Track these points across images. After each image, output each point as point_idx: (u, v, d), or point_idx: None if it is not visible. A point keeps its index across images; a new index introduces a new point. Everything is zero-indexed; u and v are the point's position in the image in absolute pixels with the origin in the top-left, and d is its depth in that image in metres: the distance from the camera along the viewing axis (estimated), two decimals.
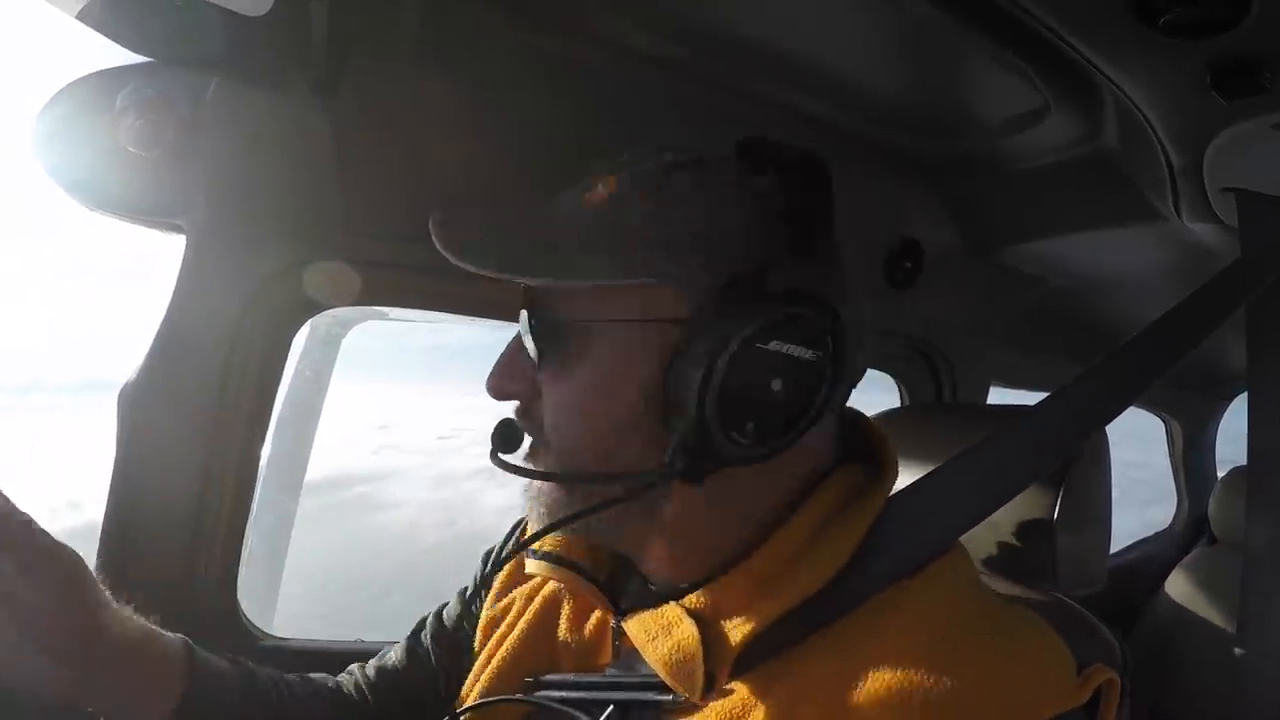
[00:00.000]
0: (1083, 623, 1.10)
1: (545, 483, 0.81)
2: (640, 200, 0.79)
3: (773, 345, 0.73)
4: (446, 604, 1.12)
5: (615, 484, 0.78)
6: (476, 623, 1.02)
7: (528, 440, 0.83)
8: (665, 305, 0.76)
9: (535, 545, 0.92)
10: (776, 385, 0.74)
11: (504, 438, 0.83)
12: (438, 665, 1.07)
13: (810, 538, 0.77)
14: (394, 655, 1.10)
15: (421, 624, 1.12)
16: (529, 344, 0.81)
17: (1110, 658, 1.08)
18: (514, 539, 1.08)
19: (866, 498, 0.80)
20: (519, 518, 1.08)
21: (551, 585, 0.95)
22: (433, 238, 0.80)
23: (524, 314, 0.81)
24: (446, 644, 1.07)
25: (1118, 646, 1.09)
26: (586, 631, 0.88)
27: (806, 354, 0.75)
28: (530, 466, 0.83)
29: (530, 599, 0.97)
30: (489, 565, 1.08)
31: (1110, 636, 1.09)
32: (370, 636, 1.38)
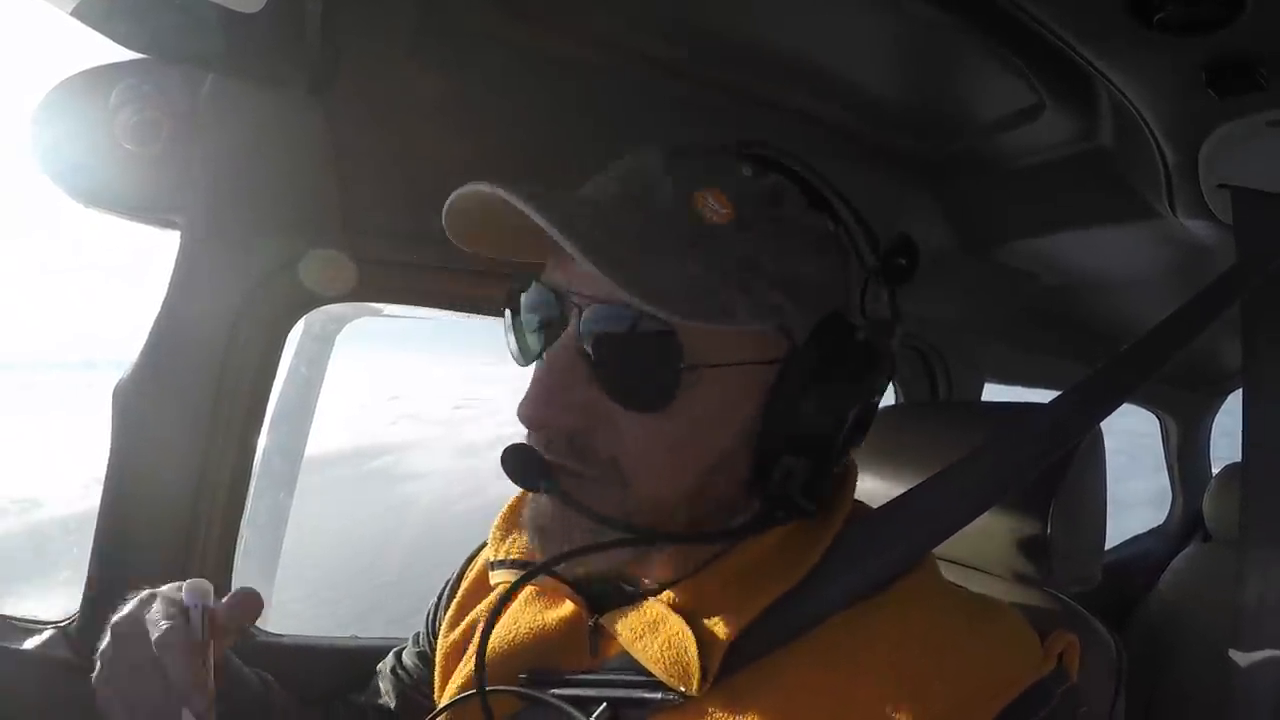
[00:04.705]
0: (1078, 619, 1.10)
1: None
2: (760, 229, 0.74)
3: (859, 382, 0.77)
4: (404, 647, 1.15)
5: (715, 540, 0.79)
6: (433, 659, 1.03)
7: (573, 470, 0.74)
8: (769, 345, 0.74)
9: (495, 555, 0.93)
10: (851, 418, 0.78)
11: (525, 468, 0.74)
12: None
13: (782, 540, 0.79)
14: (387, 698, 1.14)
15: (394, 666, 1.15)
16: (586, 366, 0.72)
17: (1105, 654, 1.08)
18: (466, 567, 1.08)
19: (832, 506, 0.81)
20: (472, 548, 1.09)
21: (513, 596, 0.95)
22: (537, 215, 0.66)
23: (594, 334, 0.72)
24: (415, 680, 1.11)
25: (1113, 643, 1.09)
26: (556, 634, 0.87)
27: (877, 386, 0.80)
28: (597, 511, 0.73)
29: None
30: (444, 595, 1.09)
31: (1106, 633, 1.10)
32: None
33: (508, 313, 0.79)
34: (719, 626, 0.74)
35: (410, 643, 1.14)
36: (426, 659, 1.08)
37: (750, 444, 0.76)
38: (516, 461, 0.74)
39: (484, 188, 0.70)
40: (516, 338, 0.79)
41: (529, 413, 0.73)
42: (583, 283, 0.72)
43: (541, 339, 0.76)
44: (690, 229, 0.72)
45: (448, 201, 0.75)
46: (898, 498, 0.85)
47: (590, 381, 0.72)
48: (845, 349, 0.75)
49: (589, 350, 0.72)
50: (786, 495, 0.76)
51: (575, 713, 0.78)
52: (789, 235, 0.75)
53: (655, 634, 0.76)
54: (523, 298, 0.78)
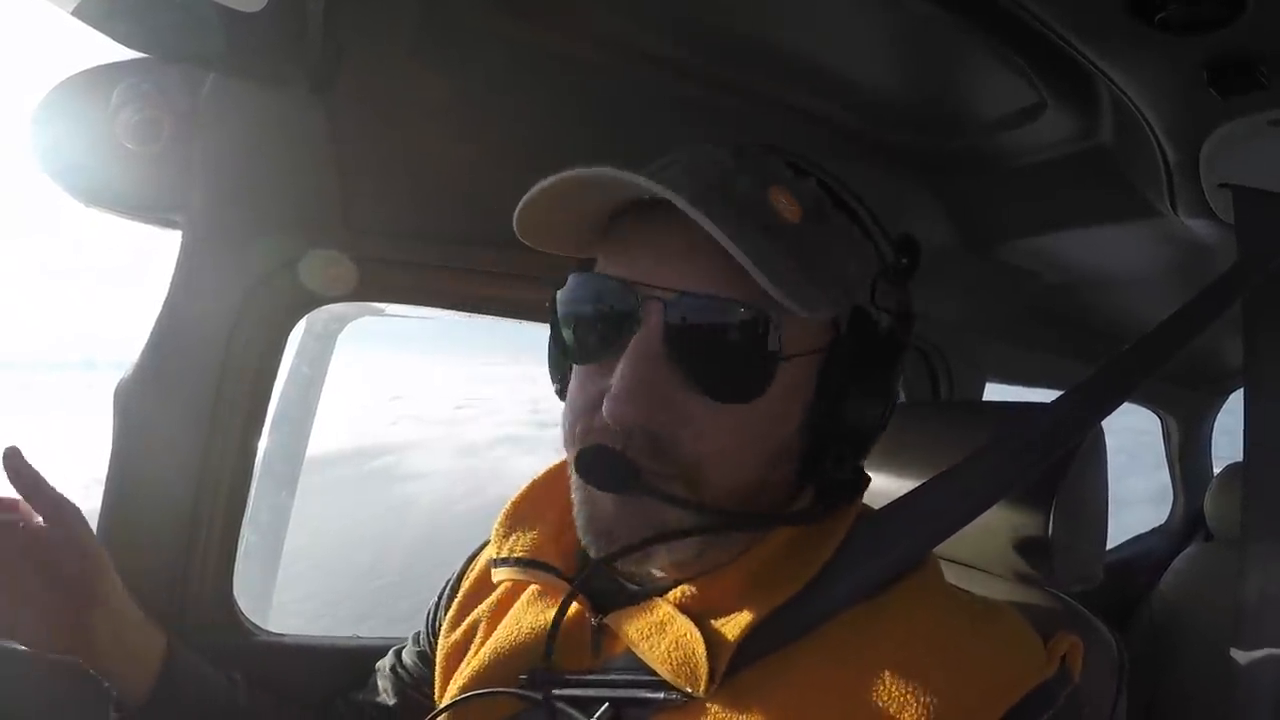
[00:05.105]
0: (1079, 619, 1.10)
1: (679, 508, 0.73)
2: (814, 227, 0.76)
3: (891, 369, 0.81)
4: (404, 645, 1.15)
5: (779, 524, 0.79)
6: (433, 659, 1.02)
7: (651, 470, 0.73)
8: (821, 334, 0.77)
9: (498, 554, 0.92)
10: (888, 405, 0.81)
11: (612, 471, 0.73)
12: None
13: (792, 541, 0.79)
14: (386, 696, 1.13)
15: (393, 665, 1.15)
16: (668, 360, 0.72)
17: (1107, 653, 1.08)
18: (467, 567, 1.07)
19: (842, 507, 0.82)
20: (474, 548, 1.08)
21: (515, 595, 0.95)
22: (687, 204, 0.66)
23: (688, 327, 0.72)
24: (415, 680, 1.11)
25: (1114, 642, 1.09)
26: (558, 633, 0.84)
27: (900, 375, 0.82)
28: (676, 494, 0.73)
29: (495, 615, 0.96)
30: (444, 594, 1.08)
31: (1107, 632, 1.09)
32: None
33: (556, 311, 0.79)
34: (727, 627, 0.74)
35: (410, 642, 1.14)
36: (426, 658, 1.08)
37: (802, 432, 0.78)
38: (600, 464, 0.73)
39: (602, 171, 0.71)
40: (574, 335, 0.78)
41: (619, 411, 0.71)
42: (665, 275, 0.72)
43: (606, 335, 0.75)
44: (773, 224, 0.73)
45: (539, 185, 0.76)
46: (901, 497, 0.86)
47: (674, 376, 0.72)
48: (876, 338, 0.79)
49: (675, 344, 0.72)
50: (840, 480, 0.80)
51: (576, 714, 0.78)
52: (832, 233, 0.79)
53: (662, 635, 0.76)
54: (574, 293, 0.78)
